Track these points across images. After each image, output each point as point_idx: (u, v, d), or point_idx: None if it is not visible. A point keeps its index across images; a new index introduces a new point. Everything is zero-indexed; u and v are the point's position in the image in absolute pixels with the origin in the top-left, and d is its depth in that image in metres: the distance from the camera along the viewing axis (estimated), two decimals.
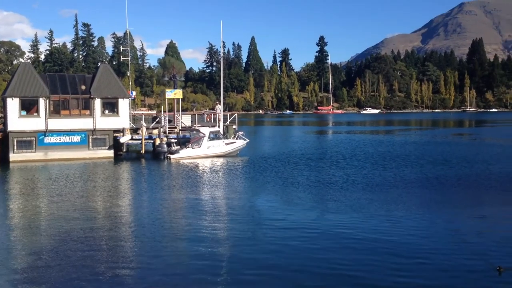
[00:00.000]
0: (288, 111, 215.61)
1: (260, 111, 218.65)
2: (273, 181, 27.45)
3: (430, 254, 14.05)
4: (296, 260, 13.68)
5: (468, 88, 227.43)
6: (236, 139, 41.71)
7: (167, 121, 43.44)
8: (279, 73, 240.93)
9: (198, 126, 42.84)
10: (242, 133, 43.21)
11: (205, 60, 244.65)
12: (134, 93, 60.30)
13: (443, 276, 12.32)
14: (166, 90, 47.25)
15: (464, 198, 22.32)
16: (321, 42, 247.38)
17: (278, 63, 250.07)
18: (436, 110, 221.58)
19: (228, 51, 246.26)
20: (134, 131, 41.86)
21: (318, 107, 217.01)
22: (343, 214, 19.24)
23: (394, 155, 39.90)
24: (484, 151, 43.19)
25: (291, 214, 19.33)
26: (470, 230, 16.71)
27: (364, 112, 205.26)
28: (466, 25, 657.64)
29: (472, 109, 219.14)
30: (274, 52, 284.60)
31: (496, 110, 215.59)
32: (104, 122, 40.15)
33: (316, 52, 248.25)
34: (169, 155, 38.16)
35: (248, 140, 42.81)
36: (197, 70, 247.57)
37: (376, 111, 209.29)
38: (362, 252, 14.27)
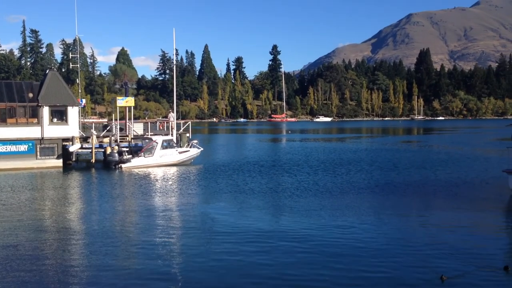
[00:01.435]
0: (242, 119, 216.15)
1: (214, 119, 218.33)
2: (227, 189, 27.43)
3: (375, 262, 13.98)
4: (245, 268, 13.68)
5: (416, 96, 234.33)
6: (190, 147, 41.43)
7: (118, 130, 42.67)
8: (233, 81, 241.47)
9: (150, 135, 42.33)
10: (196, 141, 42.96)
11: (157, 68, 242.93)
12: (84, 100, 58.95)
13: (386, 285, 12.33)
14: (118, 97, 46.47)
15: (411, 204, 22.86)
16: (274, 51, 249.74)
17: (232, 71, 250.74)
18: (386, 118, 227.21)
19: (181, 59, 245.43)
20: (84, 139, 40.92)
21: (272, 115, 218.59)
22: (293, 220, 19.37)
23: (346, 162, 40.64)
24: (432, 157, 44.58)
25: (243, 222, 19.33)
26: (416, 237, 16.79)
27: (317, 120, 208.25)
28: (414, 36, 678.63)
29: (420, 117, 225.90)
30: (228, 60, 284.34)
31: (443, 118, 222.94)
32: (52, 130, 39.08)
33: (270, 60, 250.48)
34: (120, 164, 37.48)
35: (202, 149, 42.63)
36: (149, 78, 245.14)
37: (328, 119, 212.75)
38: (307, 261, 14.07)
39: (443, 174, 32.80)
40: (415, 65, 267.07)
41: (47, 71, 43.52)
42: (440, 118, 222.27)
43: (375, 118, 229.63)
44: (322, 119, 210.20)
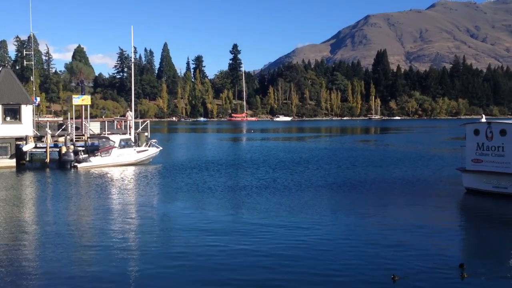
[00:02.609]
0: (202, 118, 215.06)
1: (174, 118, 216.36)
2: (185, 188, 27.19)
3: (326, 263, 13.80)
4: (201, 270, 13.54)
5: (373, 97, 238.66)
6: (149, 146, 40.90)
7: (74, 129, 41.72)
8: (192, 80, 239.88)
9: (107, 134, 41.54)
10: (154, 140, 42.47)
11: (115, 66, 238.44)
12: (38, 99, 57.35)
13: (335, 286, 12.22)
14: (73, 96, 45.40)
15: (367, 202, 23.08)
16: (235, 50, 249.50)
17: (192, 70, 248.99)
18: (345, 118, 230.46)
19: (140, 57, 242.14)
20: (39, 139, 39.82)
21: (232, 114, 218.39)
22: (251, 220, 19.33)
23: (305, 161, 40.96)
24: (388, 156, 45.45)
25: (200, 221, 19.16)
26: (369, 236, 16.79)
27: (277, 119, 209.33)
28: (371, 37, 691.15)
29: (377, 117, 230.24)
30: (188, 59, 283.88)
31: (399, 118, 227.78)
32: (5, 129, 37.86)
33: (230, 59, 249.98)
34: (76, 163, 36.61)
35: (161, 148, 42.16)
36: (107, 76, 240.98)
37: (288, 118, 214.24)
38: (259, 264, 13.77)
39: (399, 172, 33.47)
40: (372, 66, 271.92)
41: (0, 68, 42.13)
42: (397, 118, 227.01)
43: (334, 118, 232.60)
44: (282, 118, 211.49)
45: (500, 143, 23.44)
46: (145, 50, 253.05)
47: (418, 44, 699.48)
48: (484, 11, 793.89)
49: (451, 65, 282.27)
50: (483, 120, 25.41)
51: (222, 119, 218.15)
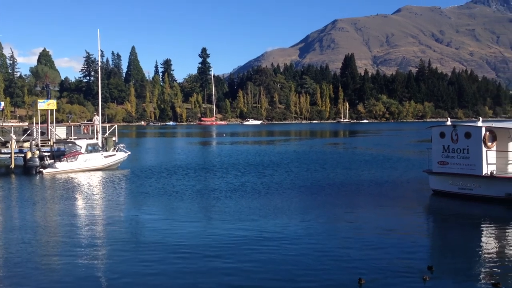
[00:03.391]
0: (171, 123, 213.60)
1: (142, 122, 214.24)
2: (153, 193, 26.86)
3: (293, 266, 13.66)
4: (167, 277, 13.37)
5: (342, 100, 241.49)
6: (116, 151, 40.36)
7: (39, 134, 40.83)
8: (161, 83, 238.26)
9: (74, 139, 40.80)
10: (122, 145, 41.95)
11: (82, 69, 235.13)
12: (2, 103, 56.18)
13: None
14: (39, 100, 44.50)
15: (336, 205, 23.10)
16: (204, 54, 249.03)
17: (160, 74, 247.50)
18: (314, 121, 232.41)
19: (107, 61, 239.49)
20: (3, 144, 38.87)
21: (202, 118, 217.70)
22: (218, 224, 19.19)
23: (275, 164, 41.01)
24: (357, 159, 45.92)
25: (168, 227, 18.90)
26: (337, 239, 16.73)
27: (247, 123, 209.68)
28: (339, 41, 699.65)
29: (346, 120, 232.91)
30: (156, 62, 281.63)
31: (367, 121, 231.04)
32: None
33: (199, 63, 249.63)
34: (41, 169, 35.81)
35: (129, 152, 41.66)
36: (73, 80, 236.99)
37: (258, 122, 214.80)
38: (224, 271, 13.48)
39: (367, 174, 33.82)
40: (340, 69, 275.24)
41: None
42: (365, 121, 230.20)
43: (304, 121, 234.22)
44: (252, 122, 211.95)
45: (465, 146, 23.91)
46: (113, 53, 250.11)
47: (384, 48, 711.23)
48: (449, 16, 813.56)
49: (416, 69, 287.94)
50: (449, 123, 25.89)
51: (192, 123, 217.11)
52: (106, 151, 40.02)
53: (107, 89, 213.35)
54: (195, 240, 16.71)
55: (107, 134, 44.32)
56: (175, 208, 22.73)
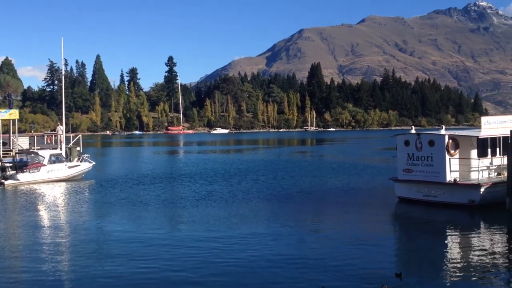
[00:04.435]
0: (137, 132, 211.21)
1: (108, 132, 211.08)
2: (118, 203, 26.37)
3: (257, 276, 13.57)
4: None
5: (309, 109, 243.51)
6: (81, 161, 39.64)
7: (1, 144, 39.67)
8: (127, 92, 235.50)
9: (37, 149, 39.82)
10: (87, 155, 41.24)
11: (45, 78, 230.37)
12: None
13: None
14: (0, 110, 43.27)
15: (302, 213, 23.07)
16: (170, 62, 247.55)
17: (126, 83, 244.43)
18: (281, 130, 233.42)
19: (71, 69, 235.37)
20: None
21: (169, 127, 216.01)
22: (183, 234, 18.92)
23: (242, 172, 40.88)
24: (324, 167, 46.22)
25: (133, 235, 18.56)
26: (302, 247, 16.54)
27: (214, 132, 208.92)
28: (305, 50, 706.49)
29: (313, 128, 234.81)
30: (122, 71, 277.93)
31: (334, 129, 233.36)
32: None
33: (166, 72, 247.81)
34: (3, 180, 34.79)
35: (94, 163, 40.97)
36: (36, 89, 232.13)
37: (225, 131, 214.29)
38: (183, 278, 13.42)
39: (334, 182, 34.04)
40: (307, 78, 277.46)
41: None
42: (331, 129, 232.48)
43: (271, 130, 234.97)
44: (220, 131, 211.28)
45: (429, 153, 24.33)
46: (77, 62, 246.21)
47: (350, 57, 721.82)
48: (411, 26, 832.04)
49: (381, 78, 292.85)
50: (413, 131, 26.33)
51: (158, 132, 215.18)
52: (70, 161, 39.28)
53: (71, 98, 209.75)
54: (160, 251, 16.42)
55: (71, 144, 43.44)
56: (140, 218, 22.37)
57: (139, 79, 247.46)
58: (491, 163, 24.88)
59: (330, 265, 14.46)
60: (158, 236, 18.62)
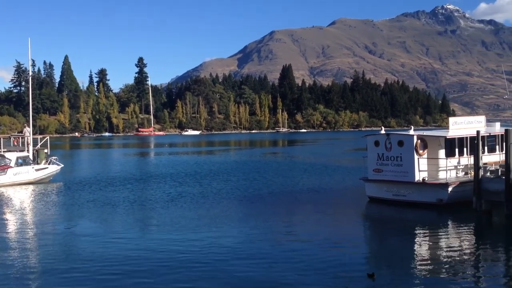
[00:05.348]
0: (107, 133, 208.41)
1: (76, 133, 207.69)
2: (86, 205, 25.92)
3: (227, 278, 13.45)
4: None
5: (280, 110, 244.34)
6: (49, 164, 38.83)
7: None
8: (96, 93, 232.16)
9: (3, 151, 38.85)
10: (55, 157, 40.43)
11: (12, 80, 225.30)
12: None
13: None
14: None
15: (274, 214, 23.04)
16: (141, 63, 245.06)
17: (95, 84, 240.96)
18: (253, 131, 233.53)
19: (39, 70, 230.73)
20: None
21: (139, 129, 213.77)
22: (151, 233, 18.74)
23: (214, 173, 40.69)
24: (295, 167, 46.38)
25: (101, 238, 18.24)
26: (272, 248, 16.48)
27: (186, 133, 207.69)
28: (277, 52, 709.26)
29: (285, 129, 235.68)
30: (91, 72, 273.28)
31: (305, 130, 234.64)
32: None
33: (136, 73, 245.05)
34: None
35: (62, 165, 40.22)
36: (3, 90, 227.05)
37: (197, 132, 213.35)
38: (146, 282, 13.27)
39: (305, 182, 34.16)
40: (278, 80, 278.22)
41: None
42: (303, 130, 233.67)
43: (243, 131, 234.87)
44: (191, 132, 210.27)
45: (398, 154, 24.64)
46: (45, 63, 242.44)
47: (321, 59, 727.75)
48: (381, 28, 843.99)
49: (351, 80, 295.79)
50: (383, 132, 26.62)
51: (129, 134, 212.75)
52: (38, 164, 38.45)
53: (39, 100, 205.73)
54: (128, 254, 16.13)
55: (38, 146, 42.54)
56: (109, 221, 22.03)
57: (108, 80, 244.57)
58: (458, 162, 25.34)
59: (301, 267, 14.39)
60: (126, 240, 18.32)
